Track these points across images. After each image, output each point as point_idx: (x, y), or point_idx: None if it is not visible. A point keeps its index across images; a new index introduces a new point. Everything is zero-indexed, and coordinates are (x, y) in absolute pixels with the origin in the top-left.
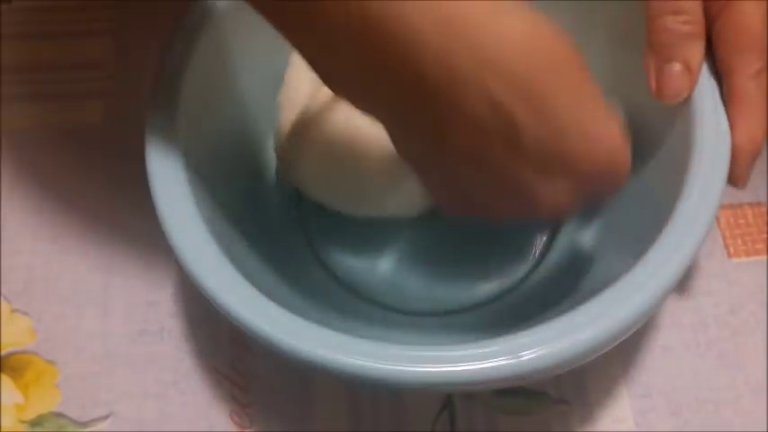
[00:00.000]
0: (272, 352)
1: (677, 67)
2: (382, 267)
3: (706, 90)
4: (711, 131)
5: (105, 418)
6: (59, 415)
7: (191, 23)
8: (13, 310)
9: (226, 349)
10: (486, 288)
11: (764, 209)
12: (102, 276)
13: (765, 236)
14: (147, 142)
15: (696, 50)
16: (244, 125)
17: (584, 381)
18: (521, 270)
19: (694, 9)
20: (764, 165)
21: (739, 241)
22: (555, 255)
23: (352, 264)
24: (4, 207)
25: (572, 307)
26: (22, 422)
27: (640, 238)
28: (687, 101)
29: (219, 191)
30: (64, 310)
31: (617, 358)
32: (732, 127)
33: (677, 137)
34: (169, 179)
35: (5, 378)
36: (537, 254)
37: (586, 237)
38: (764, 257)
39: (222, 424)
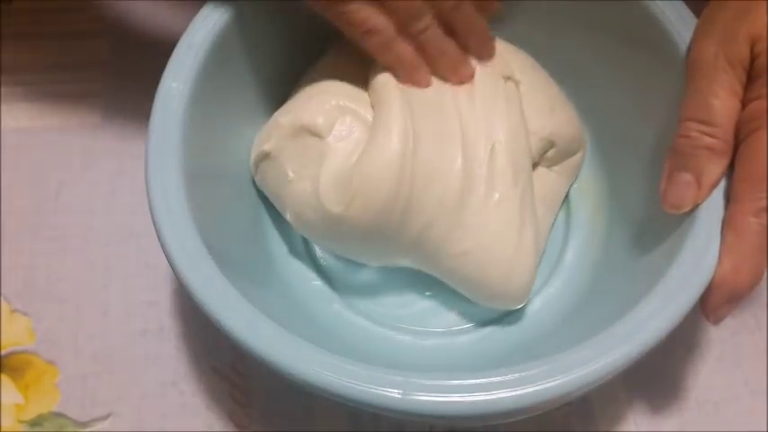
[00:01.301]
0: (269, 370)
1: (687, 177)
2: (401, 290)
3: (717, 207)
4: (698, 251)
5: (105, 418)
6: (59, 415)
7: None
8: (13, 310)
9: (226, 349)
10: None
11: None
12: (102, 276)
13: None
14: (147, 165)
15: (713, 167)
16: (245, 146)
17: None
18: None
19: (724, 125)
20: None
21: None
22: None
23: (368, 289)
24: (4, 207)
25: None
26: (22, 422)
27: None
28: (694, 210)
29: (224, 220)
30: (64, 310)
31: None
32: (720, 255)
33: (673, 234)
34: (173, 215)
35: (5, 378)
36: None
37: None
38: None
39: (222, 424)
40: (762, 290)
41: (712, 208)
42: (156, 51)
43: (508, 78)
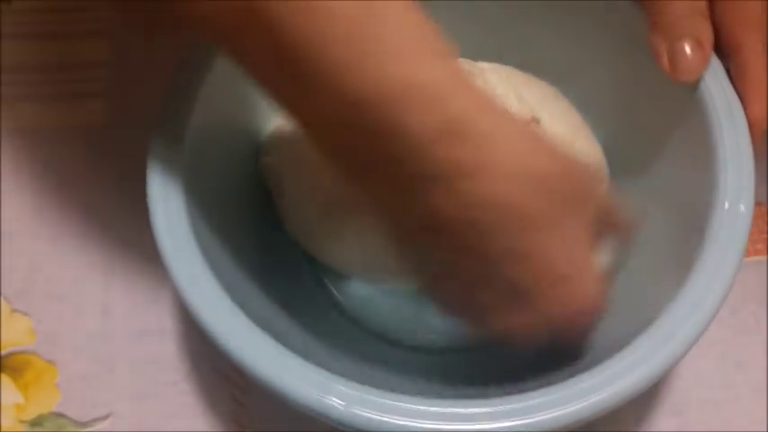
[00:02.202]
0: (272, 395)
1: (689, 42)
2: (396, 300)
3: (728, 129)
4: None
5: (105, 418)
6: (59, 415)
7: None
8: (13, 310)
9: None
10: None
11: (764, 209)
12: (102, 276)
13: (765, 236)
14: (148, 172)
15: (705, 27)
16: (251, 157)
17: None
18: None
19: None
20: (764, 165)
21: None
22: None
23: (363, 296)
24: (4, 207)
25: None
26: (22, 422)
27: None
28: (706, 133)
29: (222, 224)
30: (64, 310)
31: None
32: (747, 103)
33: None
34: (175, 227)
35: (5, 378)
36: None
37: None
38: (764, 257)
39: (222, 424)
40: (762, 289)
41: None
42: (158, 51)
43: (530, 121)
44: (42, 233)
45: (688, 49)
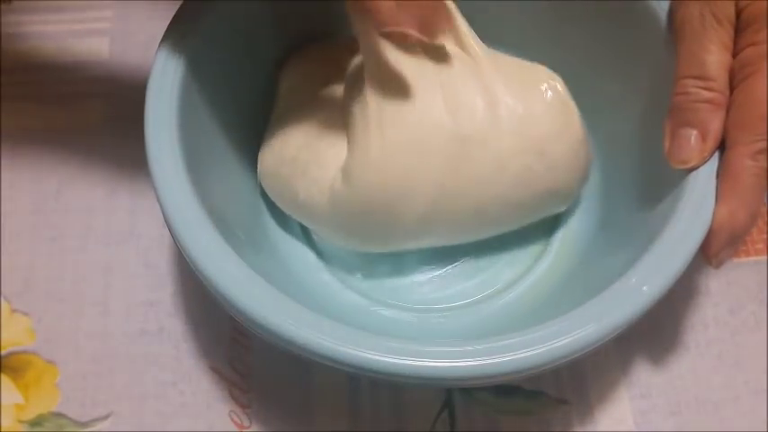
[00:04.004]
0: (270, 338)
1: (692, 132)
2: (384, 261)
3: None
4: (697, 199)
5: (105, 418)
6: (59, 415)
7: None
8: (13, 310)
9: (225, 349)
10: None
11: (764, 209)
12: (102, 276)
13: (765, 236)
14: (146, 129)
15: (716, 120)
16: (244, 114)
17: (585, 381)
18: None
19: (720, 77)
20: None
21: None
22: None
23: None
24: (4, 207)
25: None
26: (22, 422)
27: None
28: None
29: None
30: (64, 310)
31: (617, 358)
32: (717, 201)
33: (668, 187)
34: (174, 179)
35: (5, 378)
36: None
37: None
38: (764, 257)
39: (222, 424)
40: (762, 289)
41: (700, 188)
42: (157, 51)
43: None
44: (42, 233)
45: (692, 138)
